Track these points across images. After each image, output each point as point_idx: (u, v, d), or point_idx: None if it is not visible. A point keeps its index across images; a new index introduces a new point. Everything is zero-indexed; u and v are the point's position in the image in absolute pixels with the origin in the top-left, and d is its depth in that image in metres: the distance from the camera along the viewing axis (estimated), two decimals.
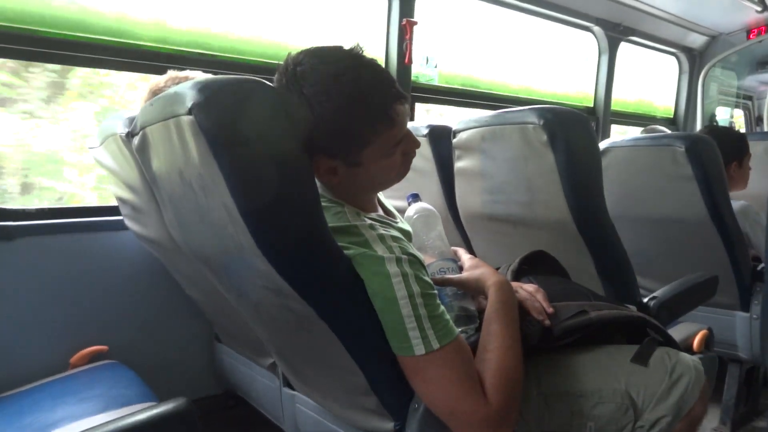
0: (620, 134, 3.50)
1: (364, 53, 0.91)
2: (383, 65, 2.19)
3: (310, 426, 1.19)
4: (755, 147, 2.20)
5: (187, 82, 0.83)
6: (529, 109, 1.35)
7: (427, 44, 2.35)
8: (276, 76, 0.91)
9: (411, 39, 2.21)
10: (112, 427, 0.63)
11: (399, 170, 0.99)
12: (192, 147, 0.80)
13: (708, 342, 1.53)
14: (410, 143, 0.96)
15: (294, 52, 0.92)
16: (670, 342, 1.10)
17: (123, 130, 1.16)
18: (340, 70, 0.87)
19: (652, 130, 2.72)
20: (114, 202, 1.53)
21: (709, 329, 1.56)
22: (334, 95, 0.85)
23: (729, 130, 2.25)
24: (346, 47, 0.91)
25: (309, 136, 0.86)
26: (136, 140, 1.01)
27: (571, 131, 1.31)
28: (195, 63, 1.72)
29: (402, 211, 1.13)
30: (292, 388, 1.24)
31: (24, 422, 1.14)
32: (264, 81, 0.79)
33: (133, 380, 1.36)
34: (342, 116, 0.87)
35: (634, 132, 3.57)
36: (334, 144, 0.90)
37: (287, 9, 2.01)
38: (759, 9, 3.10)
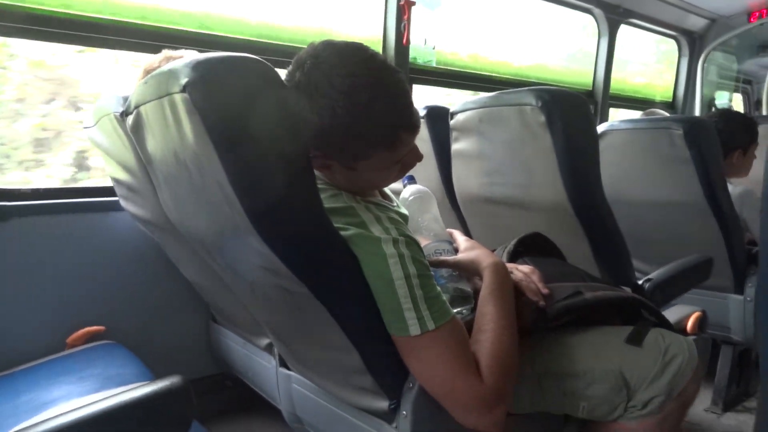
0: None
1: (387, 66, 0.86)
2: (381, 46, 2.19)
3: (306, 405, 1.20)
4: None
5: (182, 60, 0.82)
6: (527, 90, 1.34)
7: (425, 25, 2.33)
8: (291, 66, 0.87)
9: (409, 20, 2.18)
10: (108, 403, 0.64)
11: (396, 177, 0.98)
12: (186, 125, 0.79)
13: (702, 324, 1.53)
14: (412, 157, 0.94)
15: (312, 45, 0.86)
16: (664, 323, 1.11)
17: (117, 109, 1.15)
18: (355, 88, 0.82)
19: (652, 113, 2.71)
20: (109, 183, 1.52)
21: (703, 311, 1.56)
22: (342, 113, 0.82)
23: (743, 117, 2.21)
24: (370, 54, 0.86)
25: (309, 135, 0.84)
26: (130, 119, 1.00)
27: (569, 113, 1.30)
28: (191, 42, 1.70)
29: (398, 193, 1.12)
30: (289, 368, 1.24)
31: (20, 401, 1.15)
32: (259, 59, 0.79)
33: (131, 360, 1.36)
34: (344, 133, 0.85)
35: (631, 115, 3.57)
36: (332, 151, 0.89)
37: None
38: None
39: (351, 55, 0.84)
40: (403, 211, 1.07)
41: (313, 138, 0.85)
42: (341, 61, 0.83)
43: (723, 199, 1.73)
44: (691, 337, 1.39)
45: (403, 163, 0.94)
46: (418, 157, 0.95)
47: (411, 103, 0.89)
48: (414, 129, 0.91)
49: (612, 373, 0.97)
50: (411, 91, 2.33)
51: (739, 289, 1.88)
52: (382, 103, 0.84)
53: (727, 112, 2.20)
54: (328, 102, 0.82)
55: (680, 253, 1.55)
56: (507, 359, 0.89)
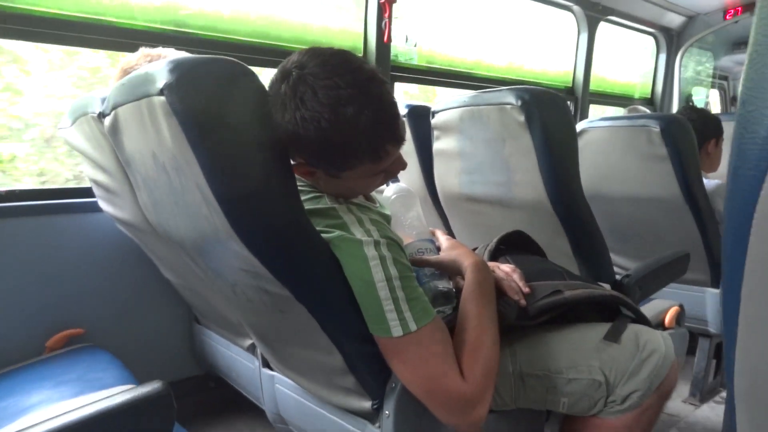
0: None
1: (374, 78, 0.84)
2: (362, 44, 2.19)
3: (290, 406, 1.20)
4: (728, 127, 2.23)
5: (160, 61, 0.81)
6: (507, 89, 1.35)
7: (407, 23, 2.33)
8: (276, 75, 0.84)
9: (390, 17, 2.18)
10: (87, 411, 0.63)
11: (380, 184, 0.98)
12: (164, 128, 0.78)
13: (679, 318, 1.57)
14: (397, 166, 0.93)
15: (298, 53, 0.84)
16: (642, 319, 1.13)
17: (95, 110, 1.13)
18: (341, 101, 0.80)
19: (635, 110, 2.75)
20: (87, 184, 1.50)
21: (681, 305, 1.60)
22: (327, 126, 0.81)
23: (706, 111, 2.29)
24: (357, 66, 0.83)
25: (290, 140, 0.84)
26: (107, 121, 0.99)
27: (548, 111, 1.32)
28: (168, 41, 1.67)
29: (380, 191, 1.13)
30: (272, 369, 1.24)
31: None
32: (239, 61, 0.78)
33: (111, 363, 1.35)
34: (329, 145, 0.83)
35: (611, 112, 3.60)
36: (315, 160, 0.88)
37: None
38: None
39: (337, 66, 0.82)
40: (386, 211, 1.07)
41: (296, 147, 0.85)
42: (327, 73, 0.81)
43: (699, 195, 1.77)
44: (669, 331, 1.42)
45: (388, 171, 0.93)
46: (403, 165, 0.94)
47: (397, 116, 0.88)
48: (400, 141, 0.89)
49: (591, 369, 0.99)
50: (393, 89, 2.34)
51: (716, 282, 1.92)
52: (367, 117, 0.82)
53: (692, 108, 2.26)
54: (313, 114, 0.80)
55: (658, 249, 1.58)
56: (488, 358, 0.90)
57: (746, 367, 0.33)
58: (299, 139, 0.82)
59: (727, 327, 0.34)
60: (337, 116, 0.80)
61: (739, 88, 0.31)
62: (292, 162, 0.87)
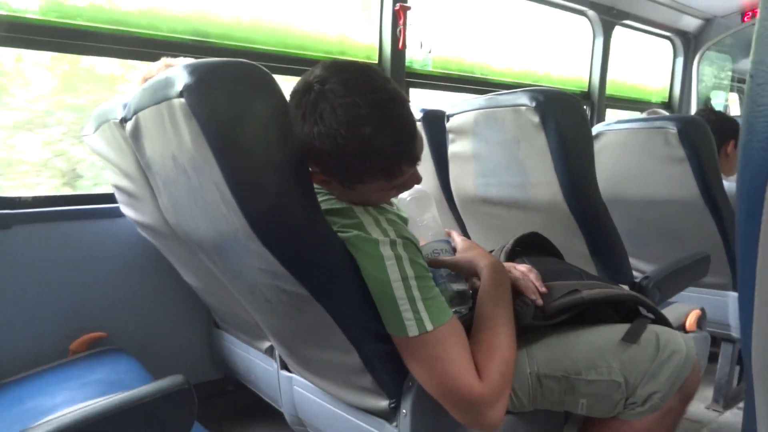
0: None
1: (395, 97, 0.84)
2: (377, 52, 2.21)
3: (308, 407, 1.21)
4: None
5: (179, 66, 0.83)
6: (521, 91, 1.35)
7: (421, 29, 2.35)
8: (299, 86, 0.85)
9: (405, 24, 2.20)
10: (109, 404, 0.65)
11: (394, 195, 0.99)
12: (184, 130, 0.80)
13: (701, 321, 1.54)
14: (412, 181, 0.94)
15: (321, 66, 0.84)
16: (662, 320, 1.12)
17: (117, 116, 1.16)
18: (359, 120, 0.80)
19: (654, 113, 2.73)
20: (110, 190, 1.53)
21: (702, 309, 1.57)
22: (343, 143, 0.81)
23: (723, 114, 2.27)
24: (380, 84, 0.83)
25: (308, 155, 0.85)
26: (129, 125, 1.02)
27: (563, 112, 1.32)
28: (190, 50, 1.71)
29: None
30: (290, 371, 1.25)
31: (25, 407, 1.16)
32: (254, 63, 0.80)
33: (133, 366, 1.37)
34: (345, 161, 0.84)
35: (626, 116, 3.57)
36: (331, 173, 0.89)
37: None
38: None
39: (358, 83, 0.82)
40: (403, 213, 1.07)
41: (313, 158, 0.86)
42: (347, 91, 0.81)
43: (719, 196, 1.74)
44: (691, 335, 1.40)
45: (402, 185, 0.94)
46: (417, 180, 0.94)
47: (415, 136, 0.88)
48: (415, 161, 0.90)
49: (610, 371, 0.98)
50: (408, 95, 2.35)
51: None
52: (384, 137, 0.82)
53: (708, 111, 2.24)
54: (330, 131, 0.81)
55: (678, 252, 1.56)
56: (505, 359, 0.90)
57: (763, 343, 0.33)
58: (316, 151, 0.83)
59: (743, 299, 0.34)
60: (354, 135, 0.81)
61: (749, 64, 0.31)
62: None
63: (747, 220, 0.31)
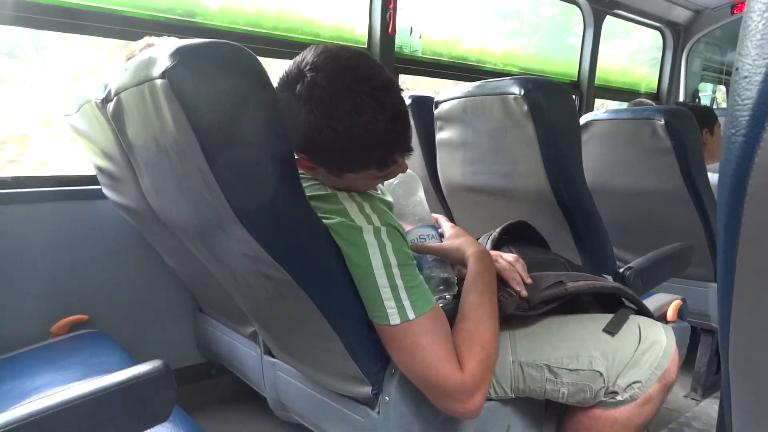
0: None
1: (389, 86, 0.82)
2: (366, 37, 2.19)
3: (291, 393, 1.21)
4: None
5: (161, 46, 0.81)
6: (510, 79, 1.35)
7: (411, 14, 2.32)
8: (289, 72, 0.83)
9: (395, 9, 2.17)
10: (88, 388, 0.64)
11: (380, 182, 0.98)
12: (166, 112, 0.79)
13: (681, 312, 1.57)
14: (398, 170, 0.93)
15: (313, 52, 0.82)
16: (643, 311, 1.13)
17: (98, 96, 1.13)
18: (356, 109, 0.79)
19: (640, 104, 2.73)
20: (92, 171, 1.51)
21: (683, 300, 1.60)
22: (339, 132, 0.80)
23: (695, 104, 2.28)
24: (375, 72, 0.81)
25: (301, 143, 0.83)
26: (110, 106, 0.99)
27: (552, 102, 1.31)
28: (175, 30, 1.68)
29: None
30: (273, 357, 1.25)
31: (3, 389, 1.14)
32: (239, 44, 0.78)
33: (114, 349, 1.36)
34: (338, 150, 0.83)
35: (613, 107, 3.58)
36: (320, 160, 0.88)
37: None
38: None
39: (354, 71, 0.80)
40: (388, 198, 1.07)
41: (302, 144, 0.84)
42: (343, 79, 0.80)
43: (703, 188, 1.76)
44: (671, 325, 1.42)
45: (389, 174, 0.93)
46: (403, 169, 0.94)
47: (408, 126, 0.87)
48: (409, 151, 0.89)
49: (592, 360, 0.99)
50: (397, 80, 2.33)
51: None
52: (380, 127, 0.81)
53: (682, 103, 2.25)
54: (325, 120, 0.80)
55: (661, 242, 1.58)
56: (487, 348, 0.90)
57: (741, 334, 0.34)
58: (308, 139, 0.82)
59: (722, 290, 0.34)
60: (350, 124, 0.80)
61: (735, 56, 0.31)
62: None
63: (728, 213, 0.31)
